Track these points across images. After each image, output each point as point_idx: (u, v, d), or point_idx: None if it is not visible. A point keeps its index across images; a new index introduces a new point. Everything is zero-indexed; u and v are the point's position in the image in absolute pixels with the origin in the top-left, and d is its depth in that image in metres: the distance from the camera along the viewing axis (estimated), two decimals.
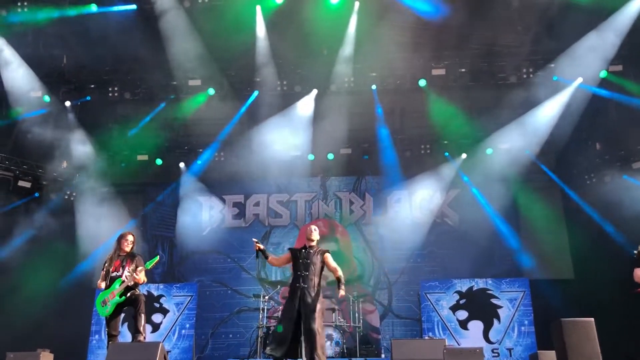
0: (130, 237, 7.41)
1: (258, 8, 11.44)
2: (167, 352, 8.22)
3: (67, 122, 12.36)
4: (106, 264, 7.29)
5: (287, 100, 12.62)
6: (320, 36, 11.44)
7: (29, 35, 11.62)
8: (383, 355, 10.46)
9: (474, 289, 11.13)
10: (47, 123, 12.00)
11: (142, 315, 7.11)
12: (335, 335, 9.91)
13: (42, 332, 10.45)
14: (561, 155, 12.64)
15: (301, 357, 6.59)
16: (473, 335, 10.73)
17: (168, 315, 11.27)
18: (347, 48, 11.75)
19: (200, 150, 13.14)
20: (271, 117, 12.54)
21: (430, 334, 10.75)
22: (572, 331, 6.66)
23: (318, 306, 6.59)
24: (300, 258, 6.80)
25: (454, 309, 11.01)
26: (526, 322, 10.74)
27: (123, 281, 7.11)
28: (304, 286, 6.61)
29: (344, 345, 9.94)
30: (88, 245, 12.22)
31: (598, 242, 11.10)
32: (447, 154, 12.71)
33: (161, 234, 13.21)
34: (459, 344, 10.42)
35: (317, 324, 6.50)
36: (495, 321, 10.81)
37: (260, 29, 11.67)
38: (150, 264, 7.25)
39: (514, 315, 10.82)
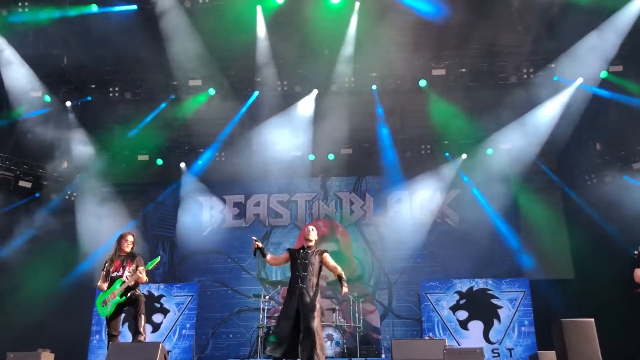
0: (130, 238, 7.41)
1: (258, 8, 11.46)
2: (168, 352, 8.24)
3: (68, 122, 12.37)
4: (107, 264, 7.30)
5: (287, 100, 12.64)
6: (321, 36, 11.45)
7: (29, 35, 11.64)
8: (383, 356, 10.46)
9: (474, 289, 11.13)
10: (47, 123, 12.02)
11: (142, 316, 7.11)
12: (336, 335, 9.92)
13: (42, 332, 10.46)
14: (561, 156, 12.65)
15: (301, 357, 6.59)
16: (473, 336, 10.73)
17: (168, 315, 11.28)
18: (348, 48, 11.76)
19: (201, 150, 13.16)
20: (272, 117, 12.56)
21: (430, 334, 10.75)
22: (572, 331, 6.67)
23: (317, 305, 6.60)
24: (298, 258, 6.81)
25: (454, 309, 11.01)
26: (526, 322, 10.74)
27: (124, 281, 7.11)
28: (302, 286, 6.62)
29: (344, 346, 9.95)
30: (88, 245, 12.23)
31: (598, 243, 11.10)
32: (447, 154, 12.71)
33: (162, 234, 13.22)
34: (459, 344, 10.42)
35: (316, 323, 6.51)
36: (496, 321, 10.82)
37: (261, 29, 11.69)
38: (151, 265, 7.26)
39: (514, 315, 10.82)
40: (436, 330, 10.87)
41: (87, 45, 11.75)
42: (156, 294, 11.45)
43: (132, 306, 7.18)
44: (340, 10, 11.26)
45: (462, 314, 10.95)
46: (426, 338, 10.00)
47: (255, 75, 12.27)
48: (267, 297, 10.64)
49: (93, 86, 12.55)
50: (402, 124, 13.31)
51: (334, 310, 10.25)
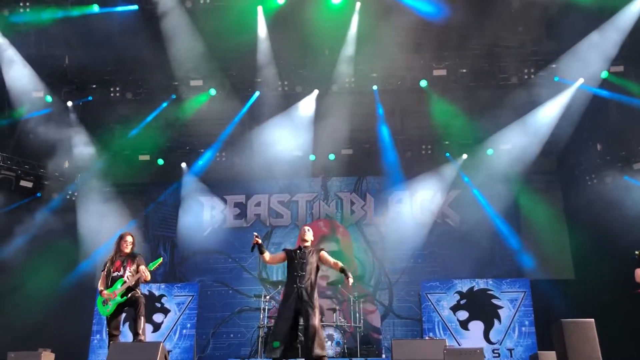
0: (129, 238, 7.41)
1: (259, 8, 11.48)
2: (168, 351, 8.24)
3: (69, 122, 12.40)
4: (107, 265, 7.31)
5: (288, 101, 12.65)
6: (322, 36, 11.47)
7: (31, 36, 11.65)
8: (384, 356, 10.47)
9: (475, 289, 11.13)
10: (49, 123, 12.02)
11: (142, 318, 7.12)
12: (336, 335, 9.92)
13: (43, 332, 10.49)
14: (562, 156, 12.64)
15: (300, 356, 6.60)
16: (473, 336, 10.73)
17: (169, 315, 11.29)
18: (349, 48, 11.77)
19: (202, 150, 13.18)
20: (272, 117, 12.57)
21: (430, 334, 10.76)
22: (572, 332, 6.66)
23: (316, 303, 6.61)
24: (295, 258, 6.82)
25: (455, 309, 11.01)
26: (527, 322, 10.74)
27: (125, 281, 7.12)
28: (301, 286, 6.63)
29: (345, 345, 9.95)
30: (89, 245, 12.27)
31: (599, 243, 11.09)
32: (448, 154, 12.72)
33: (162, 234, 13.24)
34: (459, 344, 10.43)
35: (317, 322, 6.52)
36: (496, 321, 10.82)
37: (262, 29, 11.71)
38: (153, 266, 7.27)
39: (514, 315, 10.82)
40: (436, 330, 10.88)
41: (88, 45, 11.79)
42: (157, 293, 11.46)
43: (131, 307, 7.19)
44: (341, 11, 11.27)
45: (463, 314, 10.96)
46: (426, 338, 10.00)
47: (256, 75, 12.28)
48: (267, 297, 10.65)
49: (94, 86, 12.58)
50: (402, 124, 13.33)
51: (334, 310, 10.27)
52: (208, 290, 12.51)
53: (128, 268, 7.22)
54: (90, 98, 12.58)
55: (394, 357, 7.28)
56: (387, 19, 11.19)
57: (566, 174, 12.53)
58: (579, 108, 11.63)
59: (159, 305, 11.35)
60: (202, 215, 13.19)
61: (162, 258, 7.70)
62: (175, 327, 11.18)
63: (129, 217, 12.76)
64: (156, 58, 11.72)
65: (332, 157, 12.84)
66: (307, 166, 12.98)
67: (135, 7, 11.24)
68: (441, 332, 10.83)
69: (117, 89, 12.52)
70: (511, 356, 10.52)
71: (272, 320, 10.20)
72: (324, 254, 6.93)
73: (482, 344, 10.46)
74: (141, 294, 7.33)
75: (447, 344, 7.77)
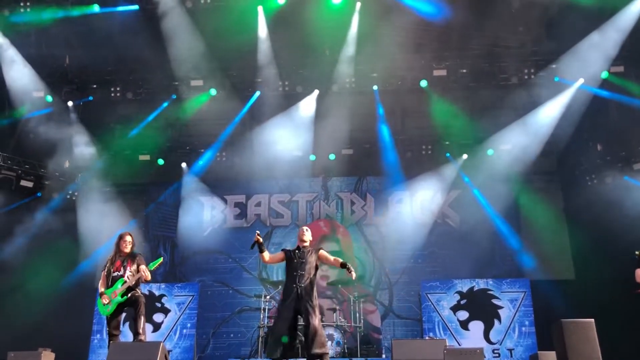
0: (128, 238, 7.41)
1: (260, 8, 11.48)
2: (169, 351, 8.24)
3: (70, 122, 12.41)
4: (107, 265, 7.32)
5: (288, 101, 12.66)
6: (322, 36, 11.47)
7: (31, 36, 11.66)
8: (384, 356, 10.47)
9: (475, 289, 11.13)
10: (49, 123, 12.03)
11: (142, 317, 7.12)
12: (336, 335, 9.92)
13: (43, 331, 10.49)
14: (562, 156, 12.64)
15: (300, 356, 6.61)
16: (474, 336, 10.72)
17: (169, 314, 11.29)
18: (349, 48, 11.78)
19: (202, 150, 13.18)
20: (273, 117, 12.58)
21: (431, 334, 10.76)
22: (572, 332, 6.66)
23: (315, 302, 6.63)
24: (294, 258, 6.84)
25: (455, 309, 11.00)
26: (527, 322, 10.74)
27: (125, 281, 7.13)
28: (300, 285, 6.64)
29: (345, 345, 9.95)
30: (90, 244, 12.27)
31: (599, 243, 11.09)
32: (448, 154, 12.73)
33: (163, 233, 13.24)
34: (459, 344, 10.42)
35: (317, 321, 6.53)
36: (496, 321, 10.82)
37: (262, 30, 11.72)
38: (153, 266, 7.28)
39: (514, 315, 10.82)
40: (437, 330, 10.87)
41: (89, 45, 11.80)
42: (157, 293, 11.46)
43: (132, 307, 7.20)
44: (341, 11, 11.27)
45: (463, 314, 10.95)
46: (427, 338, 10.00)
47: (257, 75, 12.30)
48: (267, 297, 10.65)
49: (95, 86, 12.60)
50: (403, 125, 13.33)
51: (334, 310, 10.27)
52: (208, 290, 12.52)
53: (128, 268, 7.22)
54: (90, 98, 12.61)
55: (394, 357, 7.28)
56: (388, 19, 11.20)
57: (566, 174, 12.53)
58: (579, 108, 11.64)
59: (159, 305, 11.35)
60: (202, 215, 13.19)
61: (162, 258, 7.71)
62: (175, 327, 11.18)
63: (129, 217, 12.76)
64: (157, 58, 11.73)
65: (332, 157, 12.85)
66: (307, 166, 12.98)
67: (135, 7, 11.25)
68: (441, 332, 10.83)
69: (118, 88, 12.54)
70: (511, 356, 10.52)
71: (272, 321, 10.24)
72: (322, 252, 6.95)
73: (482, 344, 10.46)
74: (141, 293, 7.34)
75: (447, 344, 7.77)
